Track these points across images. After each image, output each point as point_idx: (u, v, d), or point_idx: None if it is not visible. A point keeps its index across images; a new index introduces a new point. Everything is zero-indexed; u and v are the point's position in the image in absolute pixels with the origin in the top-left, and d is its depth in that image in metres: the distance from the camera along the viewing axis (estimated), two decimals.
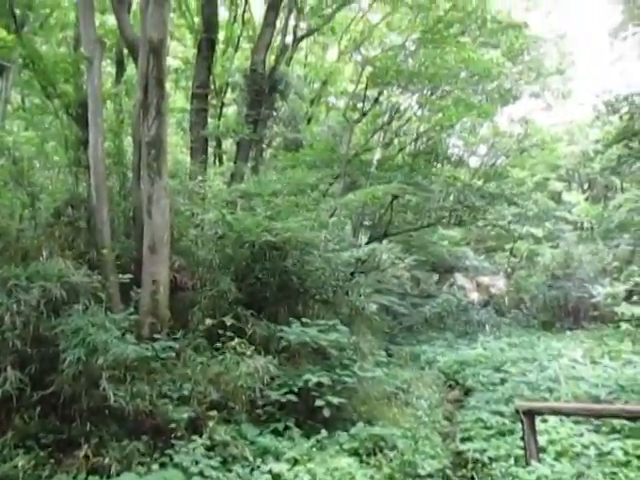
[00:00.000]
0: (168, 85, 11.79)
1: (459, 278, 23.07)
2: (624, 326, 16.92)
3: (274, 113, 15.43)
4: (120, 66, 15.33)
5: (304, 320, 8.46)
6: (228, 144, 18.12)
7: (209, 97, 14.28)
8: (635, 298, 19.79)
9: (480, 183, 20.89)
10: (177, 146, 18.62)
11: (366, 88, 17.74)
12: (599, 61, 49.65)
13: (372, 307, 11.23)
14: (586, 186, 32.56)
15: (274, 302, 9.15)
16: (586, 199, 29.99)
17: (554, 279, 22.56)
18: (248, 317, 8.33)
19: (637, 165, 22.99)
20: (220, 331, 7.66)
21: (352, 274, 11.94)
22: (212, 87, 15.43)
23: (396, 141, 21.72)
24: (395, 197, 16.50)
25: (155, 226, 7.93)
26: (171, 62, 17.61)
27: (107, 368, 5.95)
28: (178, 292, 8.24)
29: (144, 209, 8.02)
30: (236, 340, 7.48)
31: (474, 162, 26.57)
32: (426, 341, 16.95)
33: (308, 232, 9.36)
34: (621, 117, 21.03)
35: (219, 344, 7.49)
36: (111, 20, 13.27)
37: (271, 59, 15.66)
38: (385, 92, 18.85)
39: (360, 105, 18.34)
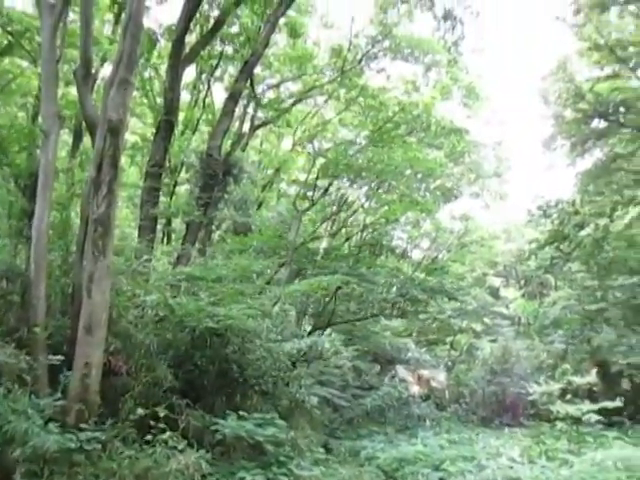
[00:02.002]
0: (123, 159, 11.81)
1: (401, 370, 23.03)
2: (559, 425, 17.19)
3: (226, 196, 15.59)
4: (77, 138, 15.36)
5: (241, 413, 8.15)
6: (178, 222, 18.11)
7: (163, 175, 14.38)
8: (569, 397, 20.26)
9: (422, 276, 21.50)
10: (126, 220, 18.41)
11: (317, 178, 18.40)
12: (533, 167, 53.72)
13: (312, 399, 10.97)
14: (522, 283, 34.01)
15: (212, 391, 8.82)
16: (522, 295, 31.24)
17: (493, 374, 22.89)
18: (183, 407, 7.96)
19: (568, 266, 24.37)
20: (152, 422, 7.25)
21: (294, 364, 11.73)
22: (167, 165, 15.60)
23: (343, 231, 22.32)
24: (339, 287, 16.70)
25: (94, 306, 7.64)
26: (129, 137, 17.79)
27: (23, 461, 5.48)
28: (111, 377, 7.83)
29: (84, 287, 7.75)
30: (168, 433, 7.08)
31: (417, 255, 27.48)
32: (367, 435, 16.52)
33: (251, 320, 9.24)
34: (552, 222, 22.62)
35: (150, 436, 7.06)
36: (74, 92, 13.43)
37: (227, 144, 16.11)
38: (335, 183, 19.57)
39: (310, 194, 18.91)
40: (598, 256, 21.90)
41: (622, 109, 21.05)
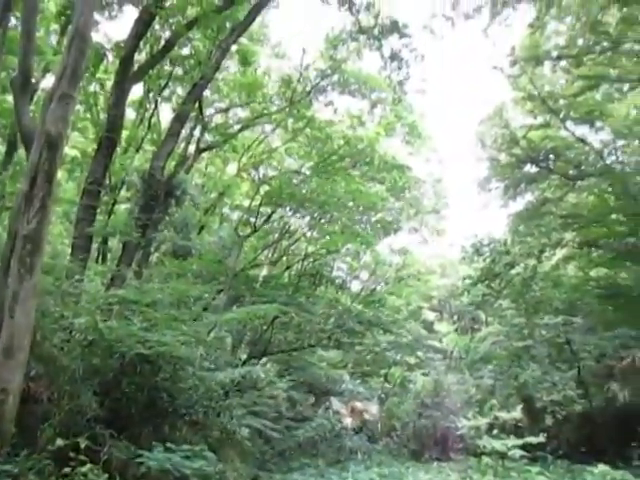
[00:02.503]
0: (60, 174, 11.36)
1: (335, 402, 22.94)
2: (486, 459, 17.50)
3: (167, 218, 15.27)
4: (11, 147, 14.68)
5: (169, 444, 7.81)
6: (115, 242, 17.52)
7: (101, 193, 13.92)
8: (496, 431, 20.71)
9: (360, 308, 21.68)
10: (60, 237, 17.63)
11: (260, 205, 18.36)
12: (470, 206, 55.91)
13: (244, 430, 10.70)
14: (456, 318, 34.95)
15: (139, 421, 8.42)
16: (455, 330, 32.07)
17: (424, 407, 23.16)
18: (107, 437, 7.54)
19: (498, 303, 25.26)
20: (72, 453, 6.81)
21: (226, 394, 11.43)
22: (107, 183, 15.14)
23: (284, 259, 22.28)
24: (277, 316, 16.57)
25: (16, 328, 7.18)
26: (68, 151, 17.20)
27: None
28: (30, 404, 7.33)
29: (6, 307, 7.29)
30: (88, 465, 6.67)
31: (356, 286, 27.75)
32: (298, 468, 16.23)
33: (185, 348, 8.96)
34: (485, 260, 23.50)
35: (68, 469, 6.62)
36: (10, 99, 12.88)
37: (171, 165, 15.86)
38: (278, 211, 19.59)
39: (253, 221, 18.82)
40: (526, 295, 22.73)
41: (552, 157, 22.38)
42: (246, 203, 20.43)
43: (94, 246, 14.26)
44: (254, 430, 13.88)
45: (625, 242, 23.30)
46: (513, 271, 23.35)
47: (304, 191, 18.87)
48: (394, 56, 15.18)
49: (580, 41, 19.23)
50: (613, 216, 22.57)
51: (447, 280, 31.55)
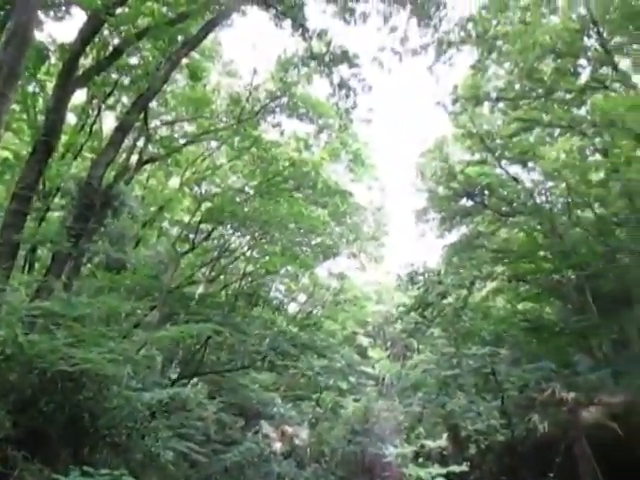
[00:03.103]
0: None
1: (265, 426, 22.53)
2: None
3: (102, 229, 14.68)
4: None
5: (87, 468, 7.37)
6: (45, 251, 16.64)
7: (33, 199, 13.22)
8: (421, 460, 20.94)
9: (295, 330, 21.58)
10: None
11: (200, 222, 18.07)
12: (408, 235, 57.22)
13: (168, 454, 10.28)
14: (389, 344, 35.40)
15: (57, 442, 7.92)
16: (388, 356, 32.44)
17: (353, 434, 23.16)
18: (19, 460, 7.03)
19: (430, 331, 25.81)
20: None
21: (153, 415, 10.97)
22: (40, 188, 14.42)
23: (222, 278, 21.92)
24: (211, 336, 16.22)
25: None
26: (0, 152, 16.32)
27: None
28: None
29: None
30: None
31: (293, 308, 27.65)
32: None
33: (111, 365, 8.55)
34: (418, 288, 24.06)
35: None
36: None
37: (111, 175, 15.34)
38: (219, 229, 19.34)
39: (192, 237, 18.46)
40: (457, 325, 23.33)
41: (487, 192, 23.35)
42: (186, 219, 20.03)
43: (21, 254, 13.47)
44: (179, 454, 13.39)
45: (550, 278, 24.50)
46: (445, 301, 23.98)
47: (246, 210, 18.76)
48: (343, 84, 15.48)
49: (517, 86, 20.39)
50: (540, 253, 23.68)
51: (382, 307, 32.00)
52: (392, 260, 31.33)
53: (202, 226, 18.31)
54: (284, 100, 17.95)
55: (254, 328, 19.28)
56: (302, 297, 27.83)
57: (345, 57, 14.94)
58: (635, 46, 17.30)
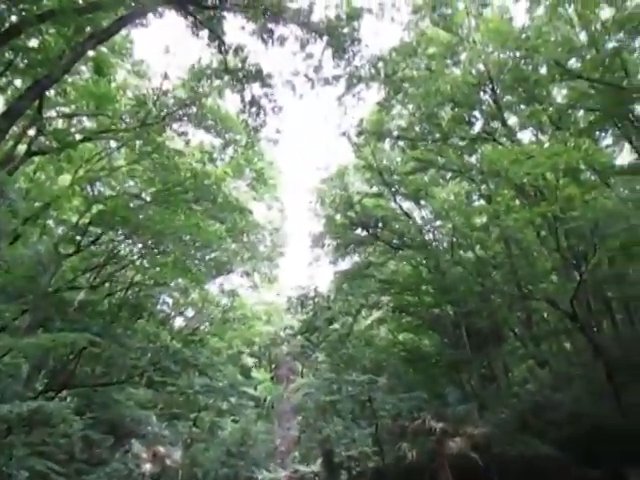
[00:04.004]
0: None
1: (136, 445, 21.29)
2: None
3: None
4: None
5: None
6: None
7: None
8: None
9: (179, 346, 20.86)
10: None
11: (89, 224, 17.02)
12: (303, 259, 57.92)
13: (23, 474, 9.37)
14: (274, 366, 35.24)
15: None
16: (272, 378, 32.26)
17: (229, 456, 22.67)
18: None
19: (315, 355, 26.14)
20: None
21: (9, 429, 9.96)
22: None
23: (107, 285, 20.66)
24: (86, 346, 15.22)
25: None
26: None
27: None
28: None
29: None
30: None
31: (179, 323, 26.74)
32: None
33: None
34: (307, 313, 24.40)
35: None
36: None
37: None
38: (110, 234, 18.32)
39: (78, 239, 17.30)
40: (340, 351, 23.82)
41: (380, 224, 24.36)
42: (74, 219, 18.70)
43: None
44: (36, 474, 12.23)
45: (431, 312, 25.92)
46: (332, 326, 24.46)
47: (140, 217, 17.97)
48: (254, 102, 15.55)
49: (417, 128, 21.69)
50: (424, 287, 24.99)
51: (271, 327, 31.88)
52: (285, 282, 31.53)
53: (91, 229, 17.21)
54: (193, 110, 17.61)
55: (136, 341, 18.42)
56: (190, 312, 27.00)
57: (259, 76, 15.05)
58: (522, 106, 19.17)
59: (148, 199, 19.19)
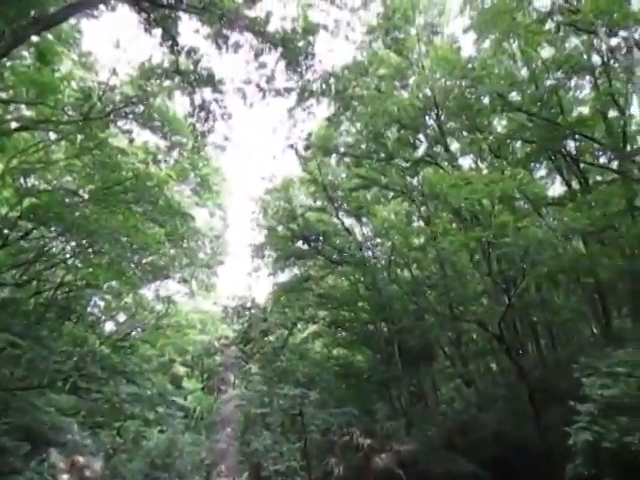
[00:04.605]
0: None
1: (54, 454, 20.14)
2: None
3: None
4: None
5: None
6: None
7: None
8: None
9: (107, 352, 20.09)
10: None
11: (20, 218, 16.23)
12: (242, 268, 57.29)
13: None
14: (206, 376, 34.54)
15: None
16: (203, 388, 31.57)
17: (153, 468, 21.92)
18: None
19: (248, 367, 25.87)
20: None
21: None
22: None
23: (34, 284, 19.66)
24: (4, 348, 14.45)
25: None
26: None
27: None
28: None
29: None
30: None
31: (109, 327, 25.78)
32: None
33: None
34: (243, 323, 24.23)
35: None
36: None
37: None
38: (40, 229, 17.52)
39: (6, 232, 16.44)
40: (274, 364, 23.73)
41: (322, 239, 24.61)
42: (3, 211, 17.73)
43: None
44: None
45: (366, 328, 26.33)
46: (267, 338, 24.37)
47: (76, 214, 17.32)
48: (204, 106, 15.40)
49: (364, 146, 22.17)
50: (360, 303, 25.38)
51: (205, 337, 31.28)
52: (223, 291, 31.10)
53: (21, 223, 16.39)
54: (140, 108, 17.20)
55: (61, 344, 17.60)
56: (122, 317, 26.08)
57: (210, 80, 14.93)
58: (465, 133, 20.00)
59: (86, 196, 18.50)
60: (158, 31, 13.38)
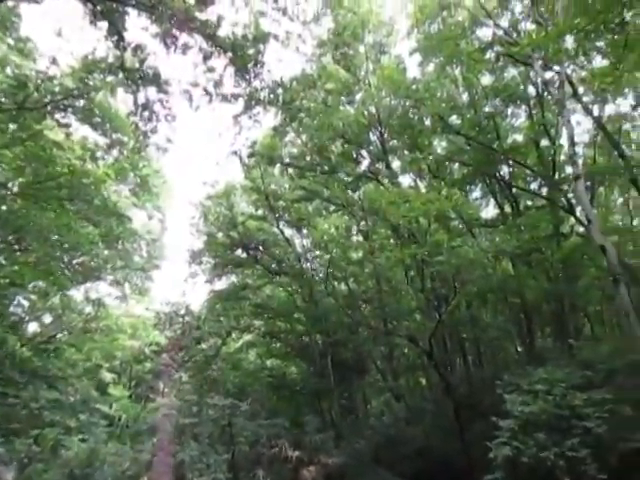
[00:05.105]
0: None
1: None
2: None
3: None
4: None
5: None
6: None
7: None
8: None
9: (29, 355, 19.14)
10: None
11: None
12: (179, 274, 55.99)
13: None
14: (133, 383, 33.38)
15: None
16: (130, 396, 30.47)
17: (71, 478, 20.90)
18: None
19: (178, 375, 25.27)
20: None
21: None
22: None
23: None
24: None
25: None
26: None
27: None
28: None
29: None
30: None
31: (34, 328, 24.48)
32: None
33: None
34: (175, 330, 23.71)
35: None
36: None
37: None
38: None
39: None
40: (206, 372, 23.36)
41: (261, 248, 24.54)
42: None
43: None
44: None
45: (300, 340, 26.37)
46: (200, 346, 23.95)
47: (3, 208, 16.50)
48: (148, 106, 15.08)
49: (308, 158, 22.37)
50: (296, 315, 25.42)
51: (136, 342, 30.25)
52: (157, 296, 30.27)
53: None
54: (80, 102, 16.61)
55: None
56: (48, 318, 24.83)
57: (156, 80, 14.65)
58: (406, 152, 20.58)
59: (15, 189, 17.65)
60: (104, 24, 13.04)
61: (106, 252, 22.74)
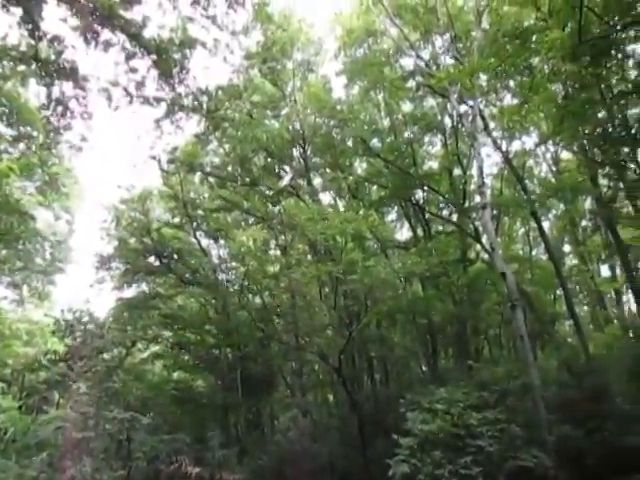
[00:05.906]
0: None
1: None
2: None
3: None
4: None
5: None
6: None
7: None
8: None
9: None
10: None
11: None
12: (85, 279, 53.19)
13: None
14: (25, 393, 31.06)
15: None
16: (20, 407, 28.27)
17: None
18: None
19: (76, 386, 23.90)
20: None
21: None
22: None
23: None
24: None
25: None
26: None
27: None
28: None
29: None
30: None
31: None
32: None
33: None
34: (75, 338, 22.49)
35: None
36: None
37: None
38: None
39: None
40: (106, 384, 22.31)
41: (175, 256, 23.89)
42: None
43: None
44: None
45: (210, 352, 25.82)
46: (102, 356, 22.85)
47: None
48: (62, 101, 14.32)
49: (230, 168, 22.16)
50: (208, 326, 24.90)
51: (31, 350, 28.20)
52: (59, 301, 28.42)
53: None
54: None
55: None
56: None
57: (73, 74, 13.94)
58: (327, 170, 20.95)
59: None
60: (18, 10, 12.27)
61: (4, 252, 21.19)
